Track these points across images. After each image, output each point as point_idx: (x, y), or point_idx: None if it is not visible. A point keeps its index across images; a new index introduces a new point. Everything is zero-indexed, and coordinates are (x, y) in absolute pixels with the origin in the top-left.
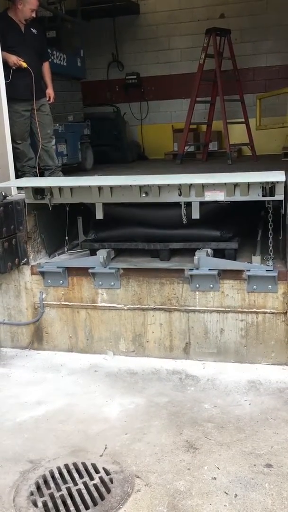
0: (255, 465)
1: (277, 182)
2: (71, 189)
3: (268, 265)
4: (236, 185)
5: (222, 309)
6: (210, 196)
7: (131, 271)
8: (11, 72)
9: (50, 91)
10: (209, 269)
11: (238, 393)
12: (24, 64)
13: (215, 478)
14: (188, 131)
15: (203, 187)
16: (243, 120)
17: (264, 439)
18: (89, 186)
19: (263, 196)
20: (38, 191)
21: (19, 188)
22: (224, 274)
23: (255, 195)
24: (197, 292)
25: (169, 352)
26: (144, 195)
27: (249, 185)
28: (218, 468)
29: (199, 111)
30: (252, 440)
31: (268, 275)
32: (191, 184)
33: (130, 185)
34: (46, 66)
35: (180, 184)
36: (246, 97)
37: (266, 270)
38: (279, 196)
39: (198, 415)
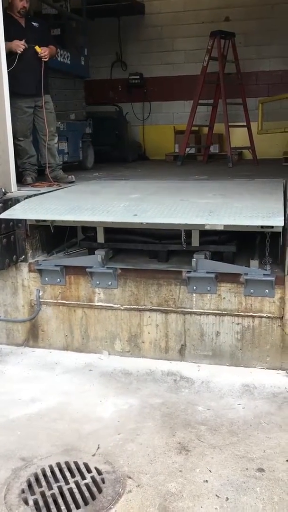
0: (247, 469)
1: (276, 226)
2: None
3: (266, 270)
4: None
5: (218, 312)
6: (210, 226)
7: (128, 271)
8: (14, 65)
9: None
10: (207, 272)
11: (232, 396)
12: (23, 46)
13: (206, 481)
14: (190, 133)
15: None
16: (244, 123)
17: (256, 443)
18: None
19: (262, 227)
20: None
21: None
22: (222, 277)
23: (255, 227)
24: (194, 294)
25: (165, 353)
26: (145, 223)
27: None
28: (210, 471)
29: (201, 113)
30: (245, 444)
31: (265, 279)
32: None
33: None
34: (51, 46)
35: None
36: (249, 100)
37: (264, 275)
38: (278, 228)
39: (191, 417)
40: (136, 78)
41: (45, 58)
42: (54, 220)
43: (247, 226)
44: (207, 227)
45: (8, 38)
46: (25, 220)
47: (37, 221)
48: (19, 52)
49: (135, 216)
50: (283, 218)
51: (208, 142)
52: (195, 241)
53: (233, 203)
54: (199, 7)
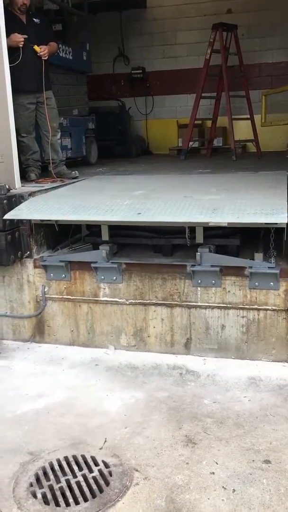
0: (253, 460)
1: (279, 223)
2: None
3: (270, 262)
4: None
5: (223, 305)
6: (214, 224)
7: (133, 266)
8: (18, 62)
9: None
10: (211, 265)
11: (238, 389)
12: (22, 38)
13: (213, 473)
14: (193, 126)
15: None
16: (248, 116)
17: (263, 435)
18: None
19: (266, 224)
20: None
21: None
22: (226, 270)
23: (259, 224)
24: (199, 288)
25: (170, 347)
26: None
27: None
28: (216, 463)
29: (204, 106)
30: (251, 436)
31: (270, 272)
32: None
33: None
34: (52, 43)
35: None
36: (252, 93)
37: (268, 267)
38: (282, 224)
39: (197, 410)
40: (138, 72)
41: (44, 57)
42: (58, 220)
43: (251, 223)
44: (211, 225)
45: (9, 35)
46: (32, 227)
47: (41, 220)
48: (20, 45)
49: (139, 215)
50: (286, 215)
51: (212, 135)
52: (199, 237)
53: (236, 199)
54: None
